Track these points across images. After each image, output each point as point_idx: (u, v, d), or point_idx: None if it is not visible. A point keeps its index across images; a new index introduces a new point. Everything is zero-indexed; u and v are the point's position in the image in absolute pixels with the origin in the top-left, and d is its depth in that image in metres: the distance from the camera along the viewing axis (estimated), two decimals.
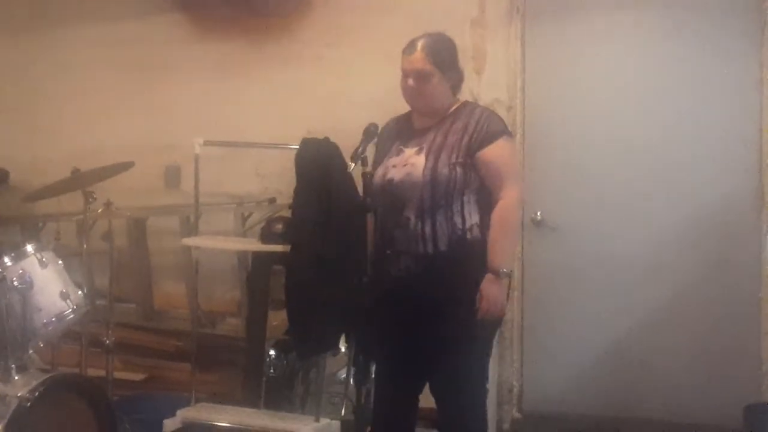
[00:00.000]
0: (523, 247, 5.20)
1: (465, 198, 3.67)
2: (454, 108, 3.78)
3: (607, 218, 5.09)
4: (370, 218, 3.73)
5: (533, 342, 5.21)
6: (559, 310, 5.16)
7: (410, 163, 3.70)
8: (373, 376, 3.99)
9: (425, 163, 3.66)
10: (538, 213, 5.16)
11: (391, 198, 3.70)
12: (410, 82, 3.71)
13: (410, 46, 3.72)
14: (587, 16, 5.12)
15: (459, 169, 3.65)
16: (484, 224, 3.66)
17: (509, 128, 5.03)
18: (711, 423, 4.88)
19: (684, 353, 5.00)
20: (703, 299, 4.97)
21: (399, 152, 3.77)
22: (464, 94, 5.04)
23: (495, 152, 3.66)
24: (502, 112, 5.13)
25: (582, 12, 5.12)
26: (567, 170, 5.16)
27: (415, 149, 3.73)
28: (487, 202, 3.68)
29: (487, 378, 3.79)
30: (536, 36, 5.19)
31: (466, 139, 3.67)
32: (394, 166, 3.73)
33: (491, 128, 3.69)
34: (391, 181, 3.71)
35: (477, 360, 3.72)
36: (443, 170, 3.64)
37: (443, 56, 3.72)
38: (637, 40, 5.07)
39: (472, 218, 3.67)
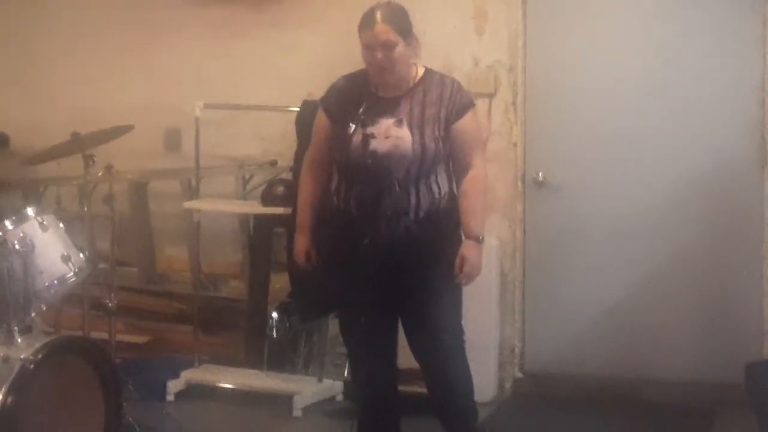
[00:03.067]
0: (524, 208, 5.20)
1: (438, 168, 3.75)
2: (419, 77, 3.77)
3: (608, 178, 5.07)
4: (356, 178, 3.74)
5: (535, 302, 5.21)
6: (560, 271, 5.15)
7: (393, 135, 3.68)
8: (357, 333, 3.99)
9: (412, 137, 3.68)
10: (540, 174, 5.15)
11: (375, 167, 3.69)
12: (379, 54, 3.65)
13: (369, 20, 3.67)
14: None
15: (441, 143, 3.72)
16: (452, 192, 3.79)
17: (511, 89, 5.12)
18: (713, 381, 4.89)
19: (686, 312, 5.00)
20: (706, 258, 4.96)
21: (374, 121, 3.71)
22: (465, 56, 5.11)
23: (468, 123, 3.76)
24: (503, 73, 5.13)
25: None
26: (569, 131, 5.13)
27: (392, 120, 3.70)
28: (451, 171, 3.79)
29: (462, 330, 3.85)
30: None
31: (443, 111, 3.72)
32: (373, 137, 3.69)
33: (463, 100, 3.76)
34: (374, 152, 3.68)
35: (450, 313, 3.81)
36: (430, 144, 3.69)
37: (403, 23, 3.70)
38: None
39: (444, 187, 3.77)
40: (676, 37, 4.97)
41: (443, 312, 3.78)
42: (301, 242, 3.96)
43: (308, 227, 3.94)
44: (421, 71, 3.80)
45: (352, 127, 3.69)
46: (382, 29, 3.64)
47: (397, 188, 3.69)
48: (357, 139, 3.70)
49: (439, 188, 3.75)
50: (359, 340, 3.90)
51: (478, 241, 3.73)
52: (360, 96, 3.74)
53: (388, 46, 3.64)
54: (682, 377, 4.96)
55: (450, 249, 3.73)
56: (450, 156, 3.77)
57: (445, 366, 3.81)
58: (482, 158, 3.82)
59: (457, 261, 3.70)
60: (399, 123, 3.70)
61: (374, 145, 3.68)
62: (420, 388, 4.04)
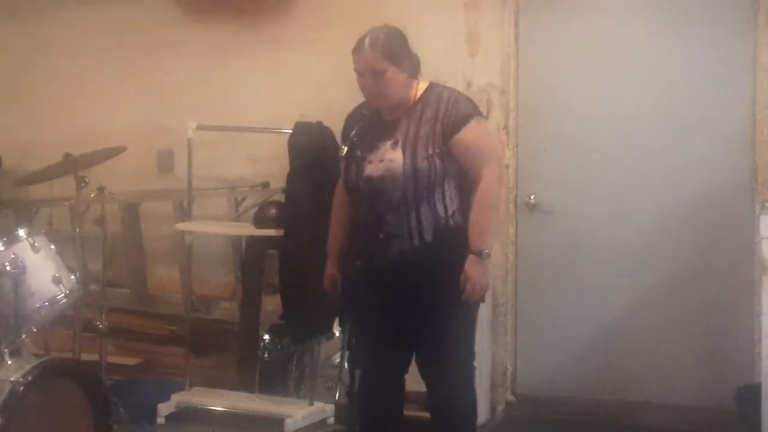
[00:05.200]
0: (517, 231, 5.20)
1: (445, 185, 3.67)
2: (420, 94, 3.72)
3: (601, 201, 5.08)
4: (358, 202, 3.73)
5: (527, 325, 5.21)
6: (553, 294, 5.16)
7: (387, 158, 3.65)
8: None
9: (403, 159, 3.63)
10: (532, 197, 5.16)
11: (371, 193, 3.67)
12: (368, 80, 3.65)
13: (358, 46, 3.67)
14: None
15: (437, 160, 3.63)
16: (465, 208, 3.67)
17: (503, 111, 5.13)
18: (704, 405, 4.90)
19: (678, 335, 5.00)
20: (697, 281, 4.97)
21: (373, 147, 3.69)
22: (457, 78, 5.12)
23: (468, 135, 3.64)
24: (495, 96, 5.14)
25: None
26: (560, 154, 5.14)
27: (389, 143, 3.67)
28: (465, 186, 3.67)
29: (473, 356, 3.80)
30: (530, 18, 5.17)
31: (438, 127, 3.64)
32: (370, 162, 3.67)
33: (461, 111, 3.66)
34: (369, 178, 3.66)
35: (462, 339, 3.75)
36: (422, 164, 3.62)
37: (393, 48, 3.66)
38: (631, 22, 5.05)
39: (453, 204, 3.68)
40: (668, 61, 5.00)
41: (450, 334, 3.69)
42: (327, 268, 3.95)
43: (335, 253, 3.92)
44: (423, 87, 3.74)
45: (344, 150, 3.69)
46: (370, 56, 3.63)
47: (391, 211, 3.66)
48: (353, 163, 3.69)
49: (445, 207, 3.66)
50: (368, 360, 3.84)
51: (481, 256, 3.61)
52: (363, 120, 3.74)
53: (376, 73, 3.63)
54: (674, 401, 4.96)
55: (462, 267, 3.62)
56: (459, 171, 3.67)
57: (451, 389, 3.74)
58: (492, 170, 3.64)
59: (461, 278, 3.60)
60: (394, 145, 3.67)
61: (369, 169, 3.67)
62: (417, 412, 4.03)
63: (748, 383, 4.69)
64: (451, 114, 3.65)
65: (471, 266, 3.61)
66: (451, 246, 3.65)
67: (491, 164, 3.66)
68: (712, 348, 4.94)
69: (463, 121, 3.65)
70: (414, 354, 3.79)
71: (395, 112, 3.72)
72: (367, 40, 3.65)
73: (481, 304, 3.80)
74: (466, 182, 3.67)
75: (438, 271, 3.64)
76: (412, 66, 3.71)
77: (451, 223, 3.67)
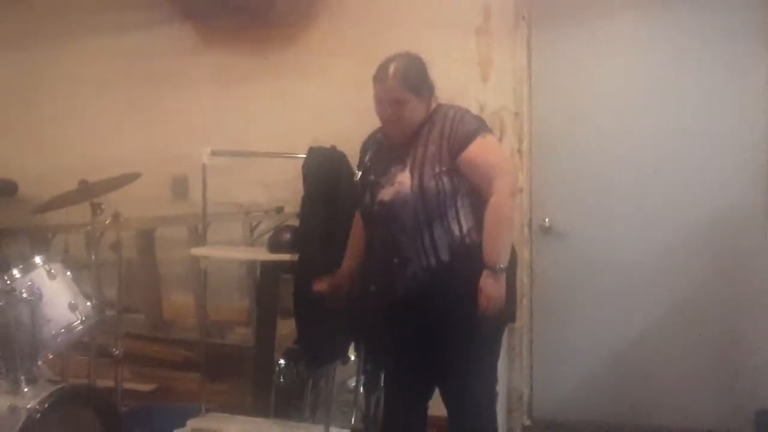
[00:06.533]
0: (531, 254, 5.20)
1: (458, 204, 3.64)
2: (428, 115, 3.72)
3: (615, 224, 5.07)
4: (373, 228, 3.74)
5: (543, 349, 5.20)
6: (568, 317, 5.14)
7: (397, 181, 3.65)
8: (382, 384, 3.98)
9: (411, 180, 3.63)
10: (546, 220, 5.16)
11: (385, 217, 3.67)
12: (386, 109, 3.66)
13: (382, 73, 3.67)
14: (593, 22, 5.11)
15: (445, 179, 3.62)
16: (481, 225, 3.62)
17: (517, 135, 5.13)
18: (722, 429, 4.86)
19: (695, 359, 4.97)
20: (713, 304, 4.95)
21: (385, 171, 3.71)
22: (471, 102, 5.13)
23: (476, 152, 3.62)
24: (509, 119, 5.15)
25: (587, 18, 5.12)
26: (575, 177, 5.14)
27: (399, 166, 3.68)
28: (480, 203, 3.64)
29: (496, 381, 3.77)
30: (542, 43, 5.18)
31: (444, 145, 3.63)
32: (382, 186, 3.69)
33: (466, 128, 3.64)
34: (381, 202, 3.67)
35: (485, 364, 3.72)
36: (429, 183, 3.61)
37: (416, 79, 3.67)
38: (643, 45, 5.06)
39: (468, 222, 3.65)
40: (682, 84, 5.00)
41: (473, 360, 3.65)
42: (337, 276, 3.94)
43: (347, 273, 3.91)
44: (431, 108, 3.74)
45: (358, 174, 3.70)
46: (393, 86, 3.64)
47: (405, 235, 3.66)
48: (367, 188, 3.70)
49: (460, 225, 3.64)
50: (389, 388, 3.84)
51: (495, 270, 3.56)
52: (377, 145, 3.75)
53: (397, 103, 3.64)
54: (691, 425, 4.93)
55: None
56: (471, 188, 3.65)
57: (473, 416, 3.70)
58: (503, 184, 3.59)
59: (478, 294, 3.56)
60: (403, 168, 3.68)
61: (382, 194, 3.68)
62: None
63: (766, 407, 4.66)
64: (457, 131, 3.64)
65: (485, 281, 3.57)
66: (469, 264, 3.61)
67: (502, 178, 3.62)
68: (729, 371, 4.91)
69: (469, 138, 3.63)
70: (436, 381, 3.77)
71: (405, 137, 3.73)
72: (390, 70, 3.65)
73: None
74: (480, 199, 3.64)
75: (457, 291, 3.61)
76: (429, 93, 3.73)
77: (467, 241, 3.64)
